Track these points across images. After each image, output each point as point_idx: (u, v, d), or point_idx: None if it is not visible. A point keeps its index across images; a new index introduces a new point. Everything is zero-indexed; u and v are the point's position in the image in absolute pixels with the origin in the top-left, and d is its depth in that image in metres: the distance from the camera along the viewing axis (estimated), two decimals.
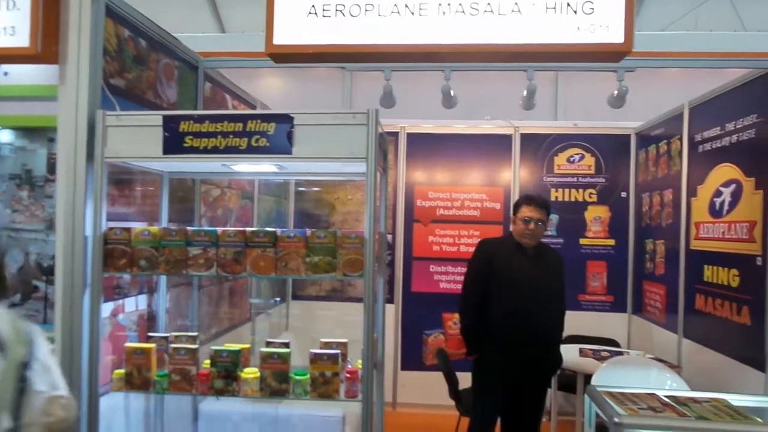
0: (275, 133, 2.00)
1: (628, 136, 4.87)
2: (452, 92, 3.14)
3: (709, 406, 2.05)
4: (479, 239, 3.33)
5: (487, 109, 5.69)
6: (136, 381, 2.07)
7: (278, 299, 4.06)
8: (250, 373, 2.04)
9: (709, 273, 3.47)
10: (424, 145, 4.98)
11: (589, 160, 4.90)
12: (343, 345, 2.22)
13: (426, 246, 4.92)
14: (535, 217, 2.99)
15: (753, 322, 2.98)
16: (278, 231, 2.03)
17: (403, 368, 4.88)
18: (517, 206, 3.10)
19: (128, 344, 2.10)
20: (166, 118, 2.04)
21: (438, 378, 4.01)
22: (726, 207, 3.32)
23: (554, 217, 4.88)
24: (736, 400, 2.15)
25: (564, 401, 4.61)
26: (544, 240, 3.11)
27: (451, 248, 4.90)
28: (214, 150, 2.02)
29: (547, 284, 3.02)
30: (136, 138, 2.06)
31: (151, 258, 2.06)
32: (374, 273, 1.97)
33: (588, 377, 3.54)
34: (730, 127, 3.30)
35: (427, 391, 4.70)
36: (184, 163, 2.18)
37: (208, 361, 2.11)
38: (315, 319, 4.83)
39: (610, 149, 4.89)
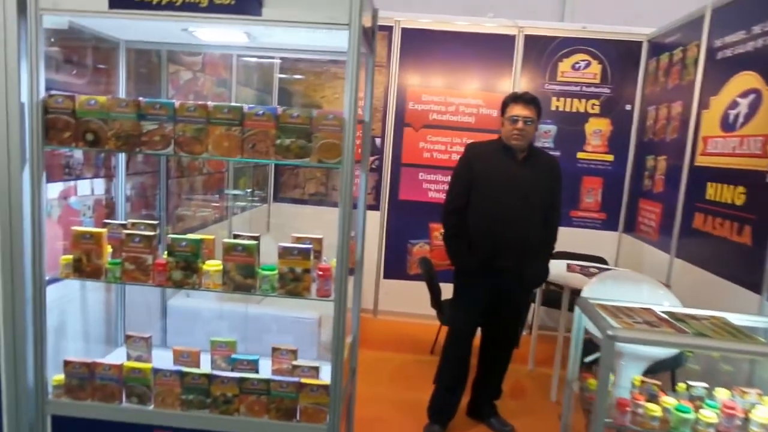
0: None
1: (639, 44, 4.50)
2: None
3: (707, 323, 1.91)
4: None
5: (490, 8, 5.25)
6: (85, 268, 1.86)
7: (250, 189, 3.83)
8: (213, 265, 1.84)
9: (712, 191, 3.28)
10: (420, 43, 4.59)
11: (596, 67, 4.56)
12: (318, 241, 2.03)
13: (416, 152, 4.66)
14: (523, 115, 2.76)
15: (754, 242, 2.83)
16: (245, 107, 1.76)
17: (386, 276, 4.78)
18: (505, 105, 2.86)
19: (76, 227, 1.88)
20: None
21: (420, 288, 3.91)
22: (741, 120, 3.07)
23: (552, 128, 4.62)
24: (735, 319, 2.01)
25: (545, 316, 4.57)
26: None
27: (443, 156, 4.65)
28: (170, 6, 1.70)
29: (537, 191, 2.83)
30: None
31: (100, 131, 1.80)
32: (353, 161, 1.72)
33: (574, 293, 3.44)
34: (756, 30, 2.98)
35: (408, 300, 4.63)
36: (136, 22, 1.86)
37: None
38: (297, 221, 4.65)
39: (618, 57, 4.54)
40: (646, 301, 2.31)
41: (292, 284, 1.80)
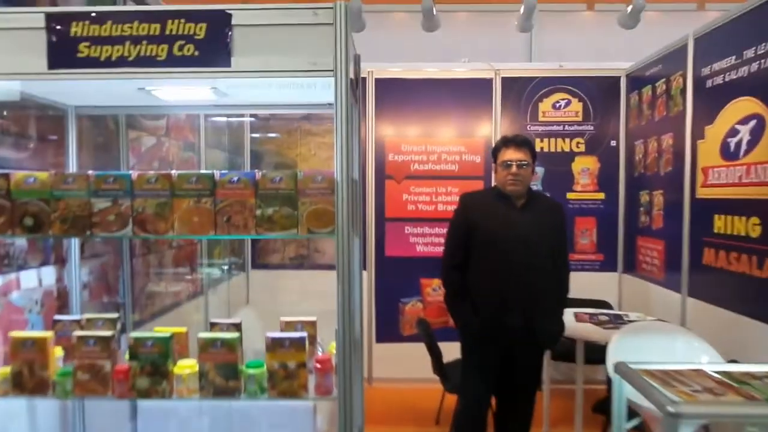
0: (207, 38, 1.44)
1: (617, 79, 4.42)
2: (435, 10, 2.58)
3: None
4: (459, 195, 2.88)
5: (458, 53, 5.18)
6: (27, 383, 1.52)
7: (226, 263, 3.51)
8: (186, 367, 1.52)
9: (720, 223, 3.08)
10: (395, 93, 4.43)
11: (576, 105, 4.45)
12: (311, 325, 1.72)
13: (400, 205, 4.42)
14: (516, 159, 2.58)
15: None
16: (217, 174, 1.48)
17: (379, 340, 4.43)
18: (496, 151, 2.69)
19: (15, 333, 1.54)
20: (50, 16, 1.44)
21: (417, 349, 3.59)
22: (744, 147, 2.91)
23: (540, 170, 4.44)
24: None
25: (553, 369, 4.25)
26: None
27: (428, 207, 4.41)
28: (121, 62, 1.44)
29: (541, 239, 2.60)
30: (11, 47, 1.47)
31: (41, 215, 1.49)
32: (349, 228, 1.45)
33: (589, 345, 3.17)
34: (749, 54, 2.87)
35: (405, 364, 4.27)
36: (82, 84, 1.59)
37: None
38: (280, 291, 4.32)
39: (599, 93, 4.44)
40: (682, 356, 2.04)
41: (285, 383, 1.48)
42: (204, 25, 1.43)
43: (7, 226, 1.49)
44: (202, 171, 1.48)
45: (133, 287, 2.55)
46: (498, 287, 2.55)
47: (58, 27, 1.43)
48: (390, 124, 4.42)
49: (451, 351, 2.82)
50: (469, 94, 4.44)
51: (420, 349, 3.49)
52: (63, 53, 1.44)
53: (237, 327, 1.69)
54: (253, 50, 1.44)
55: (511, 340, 2.55)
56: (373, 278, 4.40)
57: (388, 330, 4.42)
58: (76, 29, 1.44)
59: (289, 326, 1.67)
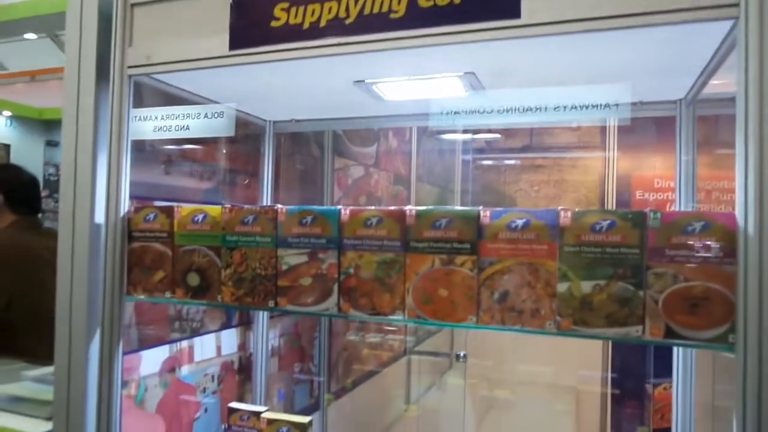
0: None
1: None
2: None
3: None
4: None
5: None
6: None
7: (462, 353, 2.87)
8: None
9: None
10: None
11: None
12: None
13: None
14: None
15: None
16: (485, 214, 0.82)
17: None
18: None
19: None
20: None
21: None
22: None
23: None
24: None
25: None
26: None
27: None
28: (335, 28, 0.88)
29: None
30: (180, 25, 1.01)
31: (210, 271, 0.98)
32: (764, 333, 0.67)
33: None
34: None
35: None
36: (281, 77, 1.08)
37: None
38: (497, 349, 3.55)
39: None
40: None
41: None
42: None
43: (167, 285, 1.01)
44: (457, 207, 0.84)
45: (330, 353, 2.03)
46: None
47: None
48: (638, 151, 3.47)
49: None
50: None
51: None
52: (251, 25, 0.94)
53: None
54: None
55: None
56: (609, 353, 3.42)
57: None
58: None
59: None
